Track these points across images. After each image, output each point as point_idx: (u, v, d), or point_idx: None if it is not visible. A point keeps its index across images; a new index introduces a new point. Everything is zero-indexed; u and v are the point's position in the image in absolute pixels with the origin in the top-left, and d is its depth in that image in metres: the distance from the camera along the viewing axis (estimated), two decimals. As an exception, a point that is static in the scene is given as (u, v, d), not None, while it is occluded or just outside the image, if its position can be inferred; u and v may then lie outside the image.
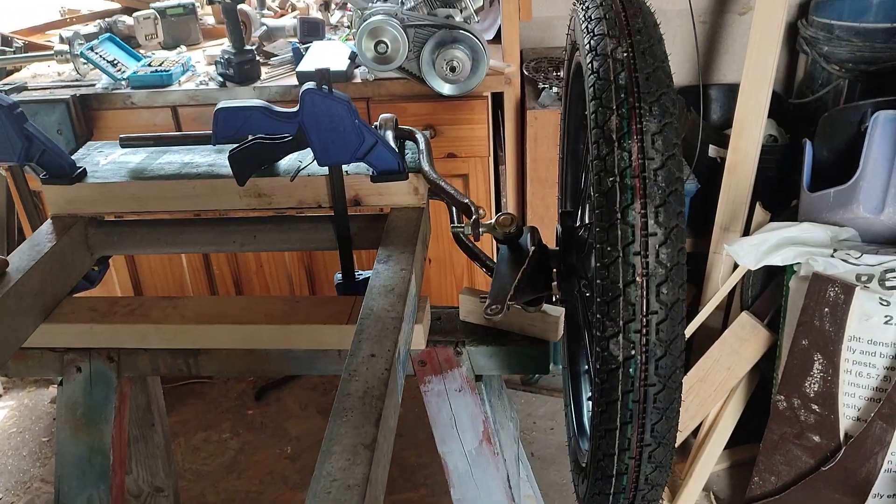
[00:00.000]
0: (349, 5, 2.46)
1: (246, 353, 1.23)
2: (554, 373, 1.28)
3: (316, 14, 2.91)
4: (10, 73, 2.59)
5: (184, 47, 2.67)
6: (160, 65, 2.33)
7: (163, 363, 1.26)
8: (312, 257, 2.57)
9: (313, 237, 1.37)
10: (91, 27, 2.70)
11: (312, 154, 1.24)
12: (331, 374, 1.24)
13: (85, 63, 2.36)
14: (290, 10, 2.98)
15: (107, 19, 2.75)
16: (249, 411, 2.73)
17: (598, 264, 0.81)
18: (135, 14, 2.66)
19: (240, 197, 1.32)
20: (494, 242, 1.17)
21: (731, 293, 2.34)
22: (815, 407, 1.98)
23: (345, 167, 1.29)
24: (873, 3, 2.26)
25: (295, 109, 1.21)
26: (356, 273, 1.36)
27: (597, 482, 0.91)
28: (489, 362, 1.23)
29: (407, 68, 2.06)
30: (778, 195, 2.35)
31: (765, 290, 2.24)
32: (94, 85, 2.33)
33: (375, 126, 1.36)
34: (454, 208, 1.24)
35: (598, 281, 0.81)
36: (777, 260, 2.01)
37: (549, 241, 1.15)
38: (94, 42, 2.36)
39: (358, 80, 2.25)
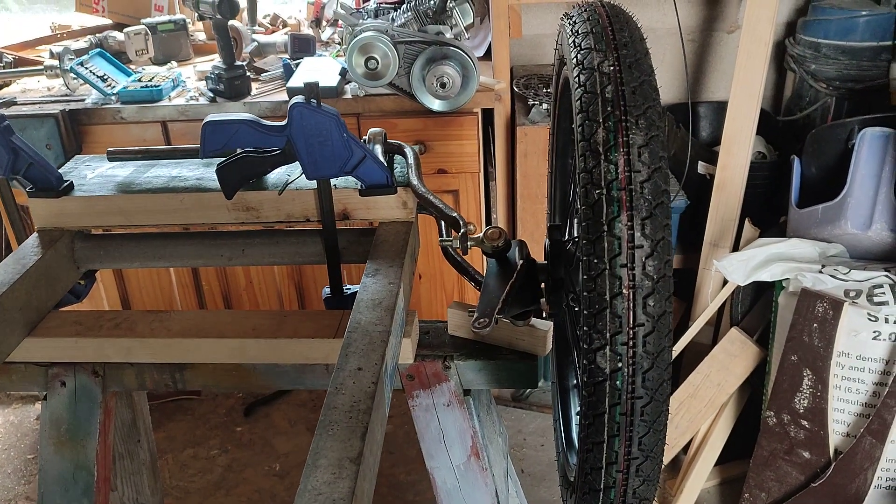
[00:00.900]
0: (340, 22, 2.47)
1: (233, 367, 1.22)
2: (545, 389, 1.28)
3: (307, 30, 2.92)
4: (0, 87, 2.59)
5: (174, 63, 2.67)
6: (150, 80, 2.33)
7: (149, 378, 1.25)
8: (302, 272, 2.56)
9: (301, 251, 1.36)
10: (81, 42, 2.71)
11: (300, 168, 1.24)
12: (319, 390, 1.23)
13: (75, 78, 2.36)
14: (280, 27, 3.00)
15: (97, 35, 2.75)
16: (238, 428, 2.70)
17: (584, 276, 0.81)
18: (125, 30, 2.66)
19: (228, 210, 1.32)
20: (483, 257, 1.16)
21: (721, 309, 2.34)
22: (804, 423, 1.98)
23: (333, 181, 1.29)
24: (860, 22, 2.29)
25: (283, 123, 1.21)
26: (344, 287, 1.36)
27: (584, 496, 0.90)
28: (477, 377, 1.22)
29: (397, 84, 2.07)
30: (766, 211, 2.36)
31: (754, 306, 2.25)
32: (83, 100, 2.33)
33: (364, 140, 1.36)
34: (443, 222, 1.24)
35: (585, 293, 0.81)
36: (766, 276, 2.01)
37: (539, 256, 1.15)
38: (85, 57, 2.36)
39: (348, 95, 2.26)
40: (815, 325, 1.91)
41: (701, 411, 2.22)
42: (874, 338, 1.87)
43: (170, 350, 1.20)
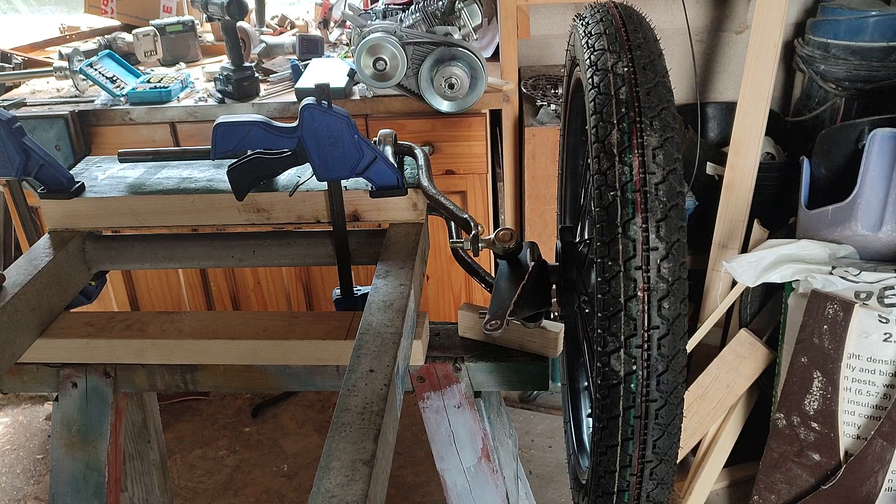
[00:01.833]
0: (348, 23, 2.47)
1: (244, 368, 1.22)
2: (552, 390, 1.27)
3: (315, 31, 2.92)
4: (10, 88, 2.60)
5: (183, 64, 2.68)
6: (159, 81, 2.34)
7: (160, 379, 1.25)
8: (310, 275, 2.56)
9: (312, 252, 1.36)
10: (90, 44, 2.71)
11: (311, 169, 1.24)
12: (329, 391, 1.23)
13: (84, 79, 2.36)
14: (288, 28, 3.00)
15: (106, 36, 2.76)
16: (246, 428, 2.71)
17: (599, 279, 0.80)
18: (134, 31, 2.67)
19: (238, 212, 1.32)
20: (493, 259, 1.16)
21: (730, 310, 2.34)
22: (814, 425, 1.97)
23: (344, 182, 1.29)
24: (869, 22, 2.28)
25: (294, 124, 1.21)
26: (355, 288, 1.36)
27: (597, 500, 0.90)
28: (488, 378, 1.22)
29: (405, 85, 2.07)
30: (776, 213, 2.35)
31: (763, 308, 2.24)
32: (92, 101, 2.34)
33: (375, 142, 1.36)
34: (453, 224, 1.24)
35: (599, 296, 0.80)
36: (775, 277, 2.00)
37: (548, 257, 1.15)
38: (94, 59, 2.37)
39: (357, 96, 2.26)
40: (825, 326, 1.90)
41: (710, 413, 2.22)
42: (885, 340, 1.86)
43: (181, 351, 1.20)
